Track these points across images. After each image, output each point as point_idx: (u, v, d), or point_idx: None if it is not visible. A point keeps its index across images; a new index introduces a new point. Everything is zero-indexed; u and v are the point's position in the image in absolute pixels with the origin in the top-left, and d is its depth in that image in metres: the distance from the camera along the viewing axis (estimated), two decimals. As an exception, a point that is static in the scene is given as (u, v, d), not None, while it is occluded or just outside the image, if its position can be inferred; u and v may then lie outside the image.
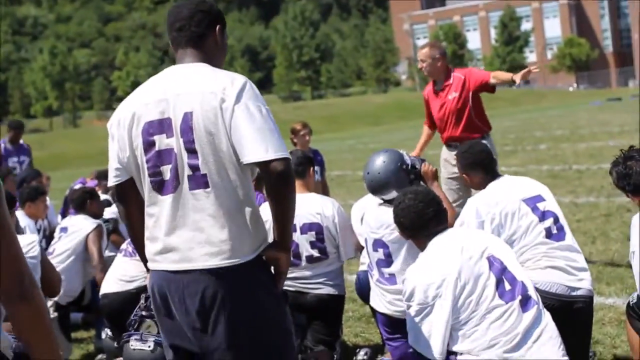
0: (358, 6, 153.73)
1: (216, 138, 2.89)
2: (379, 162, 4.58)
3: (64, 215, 8.70)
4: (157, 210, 3.01)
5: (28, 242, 4.80)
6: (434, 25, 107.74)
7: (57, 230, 6.74)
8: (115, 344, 5.53)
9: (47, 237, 7.48)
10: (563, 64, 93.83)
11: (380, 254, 4.61)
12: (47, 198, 7.92)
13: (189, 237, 2.95)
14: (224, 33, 3.21)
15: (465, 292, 3.48)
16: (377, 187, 4.59)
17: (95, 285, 6.40)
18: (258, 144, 2.85)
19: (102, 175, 9.32)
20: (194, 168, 2.92)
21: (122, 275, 5.72)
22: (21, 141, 11.60)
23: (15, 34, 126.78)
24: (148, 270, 3.20)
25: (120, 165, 3.11)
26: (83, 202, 6.74)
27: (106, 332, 5.92)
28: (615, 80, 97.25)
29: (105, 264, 6.40)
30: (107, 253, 7.12)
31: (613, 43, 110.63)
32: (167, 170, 2.96)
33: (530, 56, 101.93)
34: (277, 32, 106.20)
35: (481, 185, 4.72)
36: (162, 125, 2.97)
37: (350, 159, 22.44)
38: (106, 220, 7.22)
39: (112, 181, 3.17)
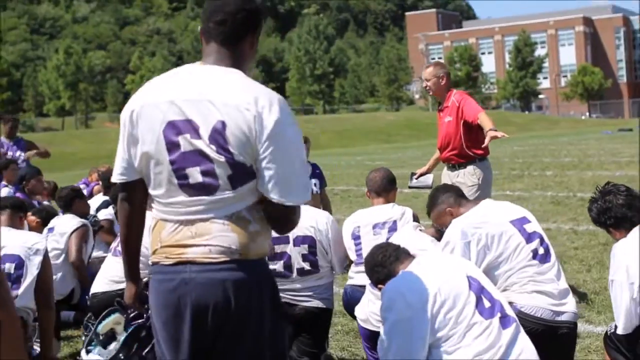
0: (375, 24, 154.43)
1: (242, 149, 2.77)
2: None
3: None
4: (168, 211, 2.89)
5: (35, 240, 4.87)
6: (449, 47, 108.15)
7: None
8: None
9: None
10: (576, 92, 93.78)
11: None
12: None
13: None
14: (259, 36, 3.02)
15: (444, 308, 3.48)
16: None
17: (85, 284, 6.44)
18: (282, 184, 2.77)
19: (105, 178, 9.30)
20: (210, 174, 2.80)
21: (112, 275, 5.71)
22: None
23: (33, 32, 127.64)
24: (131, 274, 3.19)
25: (129, 162, 2.95)
26: (70, 200, 6.77)
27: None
28: (628, 110, 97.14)
29: (84, 262, 6.43)
30: (100, 253, 7.16)
31: (627, 73, 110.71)
32: (192, 173, 2.82)
33: (544, 82, 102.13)
34: (292, 45, 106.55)
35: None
36: (187, 127, 2.81)
37: (356, 174, 22.37)
38: (94, 217, 7.24)
39: (116, 178, 3.00)
